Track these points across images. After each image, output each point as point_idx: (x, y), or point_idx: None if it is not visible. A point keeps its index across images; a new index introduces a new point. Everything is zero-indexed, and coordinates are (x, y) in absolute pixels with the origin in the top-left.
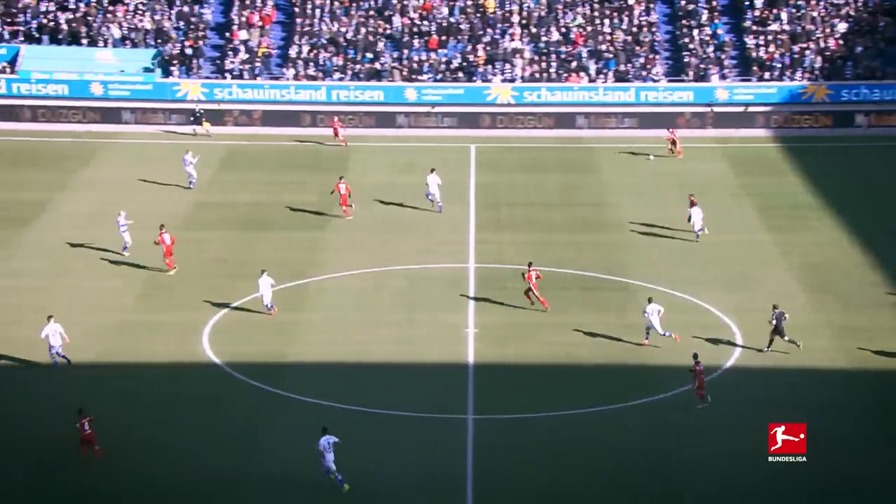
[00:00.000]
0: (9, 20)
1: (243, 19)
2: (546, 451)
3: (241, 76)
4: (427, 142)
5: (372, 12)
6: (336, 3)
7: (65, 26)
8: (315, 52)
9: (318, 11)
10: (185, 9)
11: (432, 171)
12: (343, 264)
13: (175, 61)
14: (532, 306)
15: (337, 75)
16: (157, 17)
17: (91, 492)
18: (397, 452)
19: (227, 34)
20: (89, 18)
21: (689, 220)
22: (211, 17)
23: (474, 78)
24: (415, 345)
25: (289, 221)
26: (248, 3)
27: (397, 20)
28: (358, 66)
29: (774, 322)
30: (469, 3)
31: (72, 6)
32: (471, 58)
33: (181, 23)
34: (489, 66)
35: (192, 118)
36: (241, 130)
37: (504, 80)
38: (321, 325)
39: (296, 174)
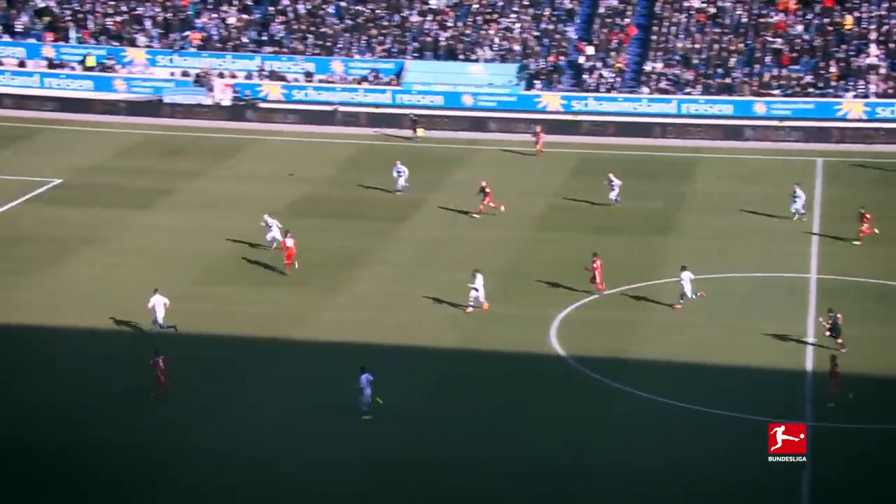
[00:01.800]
0: (399, 38)
1: (603, 37)
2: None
3: (596, 89)
4: (772, 154)
5: (726, 30)
6: (692, 22)
7: (444, 43)
8: (668, 67)
9: (673, 29)
10: (550, 26)
11: (797, 184)
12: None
13: (541, 75)
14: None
15: (687, 89)
16: (523, 35)
17: (451, 479)
18: (732, 455)
19: (587, 50)
20: (464, 36)
21: None
22: (574, 34)
23: (825, 93)
24: (752, 350)
25: (633, 226)
26: (608, 21)
27: (751, 38)
28: (709, 81)
29: (830, 324)
30: (826, 20)
31: (450, 24)
32: (823, 73)
33: (545, 39)
34: (841, 82)
35: (410, 122)
36: (593, 140)
37: (856, 96)
38: (662, 325)
39: (642, 182)
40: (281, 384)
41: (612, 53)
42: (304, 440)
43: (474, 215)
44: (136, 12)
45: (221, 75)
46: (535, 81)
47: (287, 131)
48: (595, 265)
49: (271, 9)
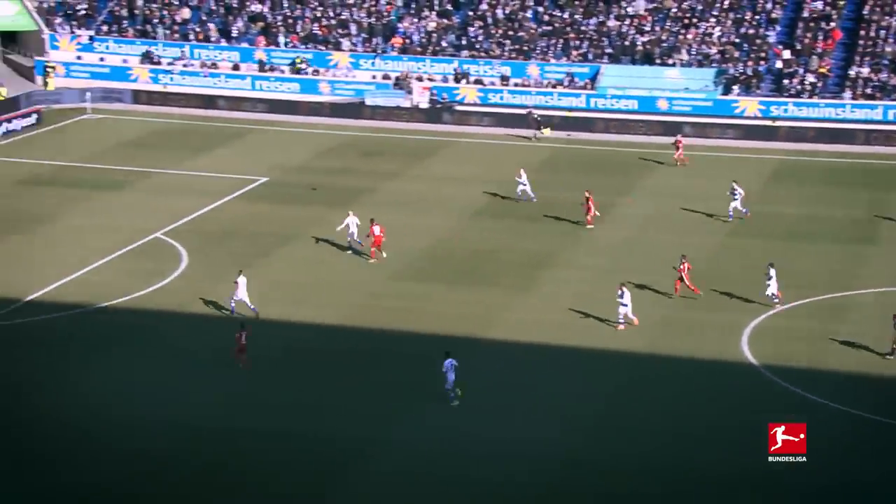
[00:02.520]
0: (596, 42)
1: (806, 41)
2: None
3: (797, 95)
4: None
5: None
6: None
7: (640, 47)
8: (875, 72)
9: (882, 32)
10: (751, 31)
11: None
12: (888, 279)
13: (740, 80)
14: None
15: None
16: (723, 39)
17: (632, 482)
18: None
19: (784, 54)
20: (662, 41)
21: None
22: (774, 39)
23: None
24: None
25: (832, 234)
26: (811, 25)
27: None
28: None
29: None
30: None
31: (647, 29)
32: None
33: (745, 44)
34: None
35: (533, 122)
36: (791, 146)
37: None
38: (854, 337)
39: (843, 190)
40: (468, 383)
41: (814, 58)
42: (491, 439)
43: (588, 226)
44: (343, 17)
45: (420, 79)
46: (734, 86)
47: (482, 133)
48: (683, 266)
49: (470, 13)
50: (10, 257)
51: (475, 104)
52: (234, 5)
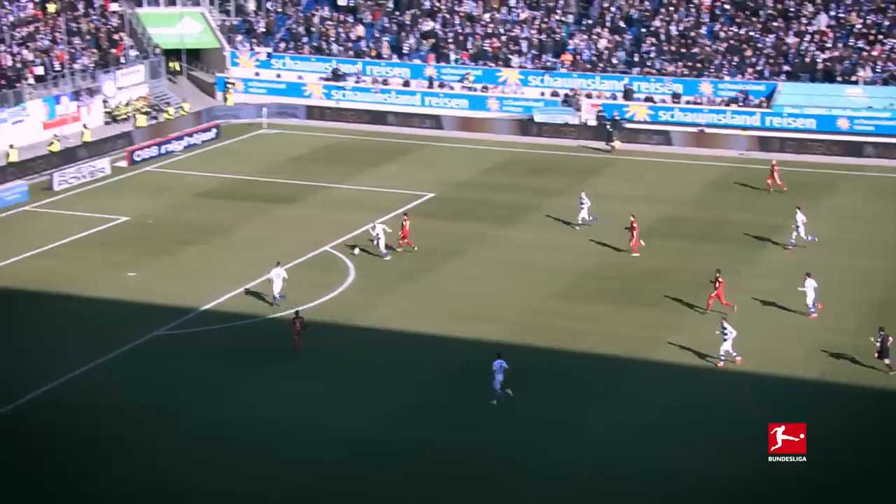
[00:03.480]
0: (773, 59)
1: None
2: None
3: None
4: None
5: None
6: None
7: (820, 64)
8: None
9: None
10: None
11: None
12: None
13: None
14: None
15: None
16: None
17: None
18: None
19: None
20: (844, 57)
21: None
22: None
23: None
24: None
25: None
26: None
27: None
28: None
29: (879, 343)
30: None
31: (829, 45)
32: None
33: None
34: None
35: (606, 134)
36: None
37: None
38: None
39: None
40: (624, 403)
41: None
42: (644, 459)
43: (633, 255)
44: (514, 34)
45: (589, 95)
46: None
47: (650, 151)
48: (718, 282)
49: (643, 30)
50: (188, 268)
51: (644, 121)
52: (407, 23)
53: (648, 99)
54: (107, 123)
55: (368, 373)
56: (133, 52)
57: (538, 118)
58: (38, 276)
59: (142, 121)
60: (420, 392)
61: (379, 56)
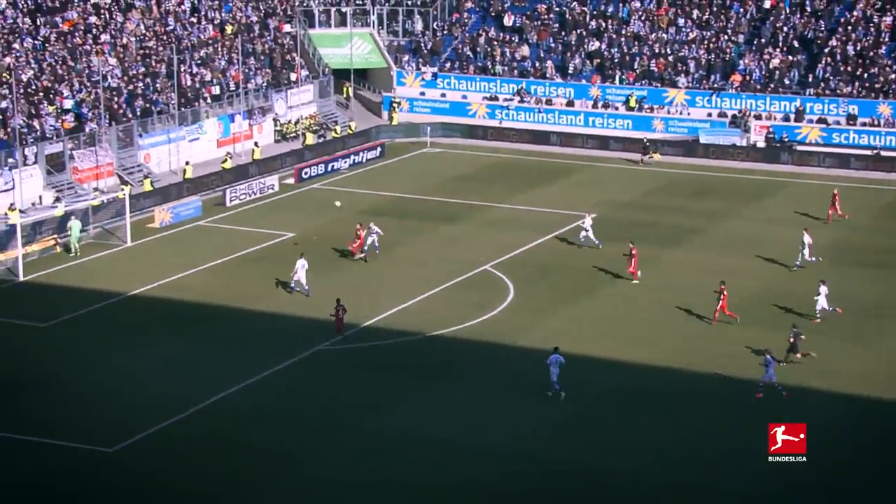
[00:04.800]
0: None
1: None
2: None
3: None
4: None
5: None
6: None
7: None
8: None
9: None
10: None
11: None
12: None
13: None
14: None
15: None
16: None
17: None
18: None
19: None
20: None
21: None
22: None
23: None
24: None
25: None
26: None
27: None
28: None
29: (792, 340)
30: None
31: None
32: None
33: None
34: None
35: (642, 147)
36: None
37: None
38: None
39: None
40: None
41: None
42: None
43: (634, 281)
44: (681, 54)
45: (758, 116)
46: None
47: (823, 175)
48: (722, 293)
49: (817, 50)
50: (351, 284)
51: (817, 144)
52: (573, 43)
53: (821, 120)
54: (276, 141)
55: (523, 393)
56: (304, 72)
57: (704, 139)
58: (207, 289)
59: (310, 139)
60: (575, 414)
61: (543, 76)
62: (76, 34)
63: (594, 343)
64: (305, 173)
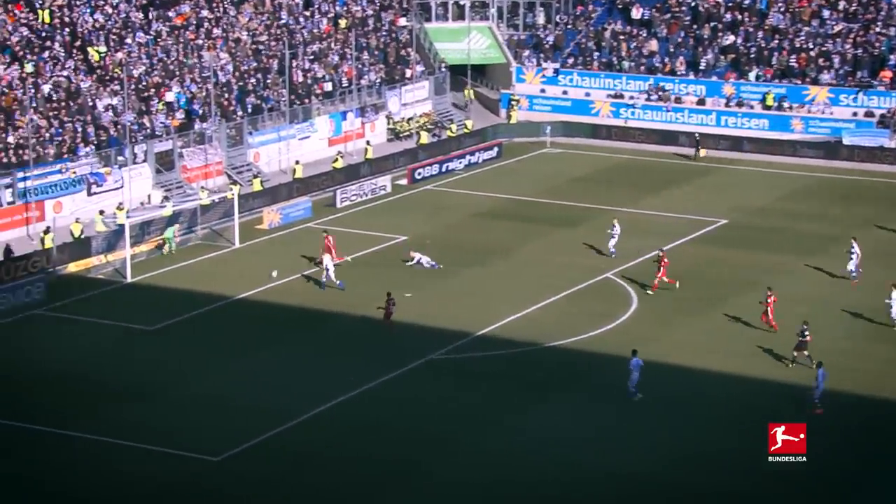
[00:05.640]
0: None
1: None
2: None
3: None
4: None
5: None
6: None
7: None
8: None
9: None
10: None
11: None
12: None
13: None
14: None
15: None
16: None
17: None
18: None
19: None
20: None
21: None
22: None
23: None
24: None
25: None
26: None
27: None
28: None
29: (800, 337)
30: None
31: None
32: None
33: None
34: None
35: (693, 142)
36: None
37: None
38: None
39: None
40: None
41: None
42: None
43: (648, 291)
44: (825, 48)
45: None
46: None
47: None
48: (769, 300)
49: None
50: (465, 290)
51: None
52: (706, 37)
53: None
54: (389, 140)
55: (646, 408)
56: (419, 68)
57: (848, 140)
58: (314, 293)
59: (424, 138)
60: (696, 431)
61: (672, 72)
62: (188, 29)
63: (719, 357)
64: (419, 174)
